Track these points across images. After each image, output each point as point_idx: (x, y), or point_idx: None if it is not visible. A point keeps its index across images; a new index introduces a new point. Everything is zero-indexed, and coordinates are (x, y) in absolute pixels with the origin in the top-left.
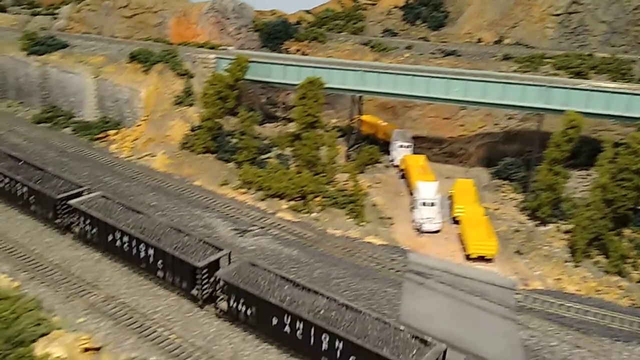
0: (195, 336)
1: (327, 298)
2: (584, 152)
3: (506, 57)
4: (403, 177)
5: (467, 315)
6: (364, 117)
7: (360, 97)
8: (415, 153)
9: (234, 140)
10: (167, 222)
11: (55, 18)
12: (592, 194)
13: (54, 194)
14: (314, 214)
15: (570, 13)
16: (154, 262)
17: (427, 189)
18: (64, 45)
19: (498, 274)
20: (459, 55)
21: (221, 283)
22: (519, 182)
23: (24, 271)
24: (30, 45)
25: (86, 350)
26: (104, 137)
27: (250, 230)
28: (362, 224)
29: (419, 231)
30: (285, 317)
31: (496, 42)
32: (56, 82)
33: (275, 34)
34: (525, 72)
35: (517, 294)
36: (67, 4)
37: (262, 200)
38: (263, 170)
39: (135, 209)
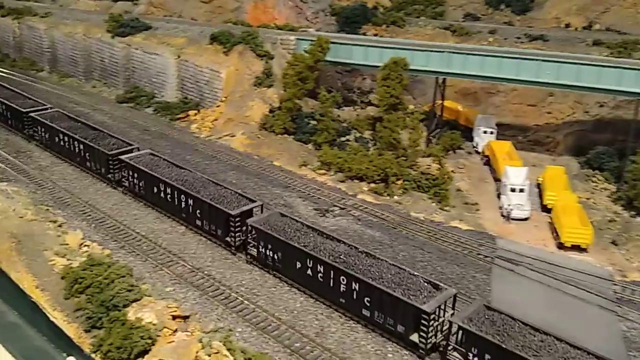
0: (280, 310)
1: (348, 245)
2: None
3: (597, 43)
4: (487, 163)
5: (563, 304)
6: (446, 103)
7: (444, 80)
8: (498, 140)
9: (313, 122)
10: (206, 177)
11: (135, 3)
12: None
13: (106, 151)
14: (395, 197)
15: None
16: (193, 211)
17: (516, 174)
18: (147, 27)
19: (593, 263)
20: (546, 40)
21: (251, 230)
22: (611, 172)
23: (114, 241)
24: (115, 27)
25: (174, 318)
26: (185, 117)
27: (331, 211)
28: (446, 208)
29: (507, 218)
30: (308, 261)
31: (585, 28)
32: (139, 63)
33: (353, 18)
34: (618, 57)
35: (614, 284)
36: None
37: (342, 181)
38: (343, 152)
39: (179, 165)
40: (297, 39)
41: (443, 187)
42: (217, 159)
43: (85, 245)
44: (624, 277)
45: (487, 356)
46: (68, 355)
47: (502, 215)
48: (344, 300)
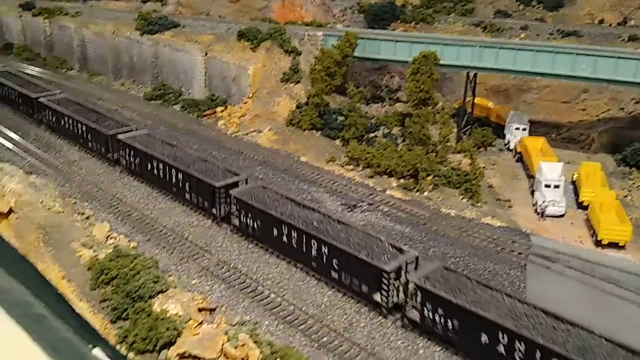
0: (307, 304)
1: (321, 214)
2: None
3: (632, 38)
4: (519, 160)
5: (602, 302)
6: (476, 100)
7: (475, 75)
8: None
9: (341, 118)
10: (196, 154)
11: (164, 4)
12: None
13: (105, 131)
14: (425, 193)
15: None
16: (182, 185)
17: (551, 170)
18: (175, 25)
19: (633, 262)
20: (580, 36)
21: (234, 200)
22: None
23: (140, 233)
24: (144, 25)
25: (200, 310)
26: (212, 113)
27: (359, 206)
28: (478, 204)
29: (541, 215)
30: (283, 228)
31: (619, 24)
32: (167, 60)
33: (382, 16)
34: None
35: None
36: None
37: (370, 177)
38: (372, 148)
39: (171, 143)
40: (325, 34)
41: (474, 183)
42: (244, 154)
43: (112, 238)
44: None
45: (440, 311)
46: (94, 347)
47: (536, 212)
48: (315, 264)
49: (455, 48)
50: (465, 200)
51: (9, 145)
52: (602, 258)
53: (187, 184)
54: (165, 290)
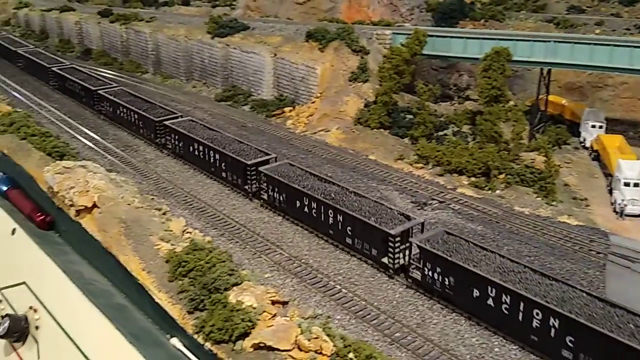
0: (379, 300)
1: (339, 186)
2: None
3: None
4: (595, 159)
5: None
6: (549, 97)
7: (549, 72)
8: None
9: (410, 116)
10: (233, 136)
11: (233, 8)
12: None
13: (154, 118)
14: (497, 191)
15: None
16: (219, 164)
17: (630, 167)
18: (245, 27)
19: None
20: None
21: (263, 176)
22: None
23: (214, 228)
24: (215, 29)
25: (273, 303)
26: (280, 113)
27: (430, 204)
28: (553, 203)
29: (620, 214)
30: (304, 199)
31: None
32: (237, 62)
33: (450, 14)
34: None
35: None
36: None
37: (441, 175)
38: (442, 146)
39: (212, 128)
40: (393, 33)
41: (549, 181)
42: (312, 153)
43: (188, 232)
44: None
45: (438, 269)
46: (172, 337)
47: (615, 211)
48: (332, 232)
49: (529, 44)
50: (539, 198)
51: (89, 143)
52: None
53: (223, 164)
54: (240, 283)
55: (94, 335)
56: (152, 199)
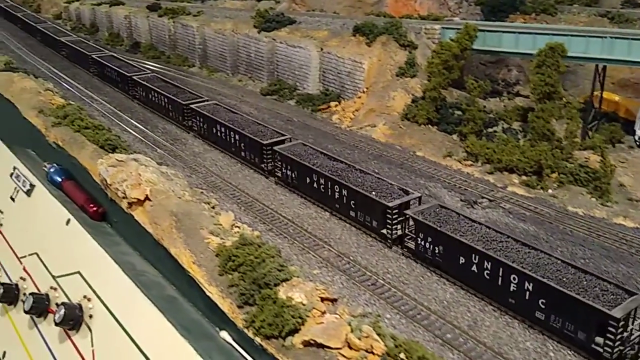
0: (429, 300)
1: (345, 164)
2: None
3: None
4: None
5: None
6: (604, 94)
7: (604, 68)
8: None
9: (458, 112)
10: (252, 119)
11: (278, 1)
12: None
13: (182, 101)
14: (550, 190)
15: None
16: (239, 144)
17: None
18: (292, 22)
19: None
20: None
21: (278, 155)
22: None
23: (263, 223)
24: (261, 23)
25: (323, 300)
26: (326, 108)
27: (480, 203)
28: (608, 203)
29: None
30: (313, 176)
31: None
32: (283, 56)
33: (500, 7)
34: None
35: None
36: None
37: (490, 173)
38: (492, 143)
39: (233, 110)
40: (443, 27)
41: (605, 181)
42: (359, 148)
43: (236, 226)
44: None
45: (429, 239)
46: (221, 330)
47: None
48: (338, 206)
49: (584, 39)
50: (593, 199)
51: (139, 136)
52: None
53: (242, 144)
54: (289, 279)
55: (146, 325)
56: (201, 192)
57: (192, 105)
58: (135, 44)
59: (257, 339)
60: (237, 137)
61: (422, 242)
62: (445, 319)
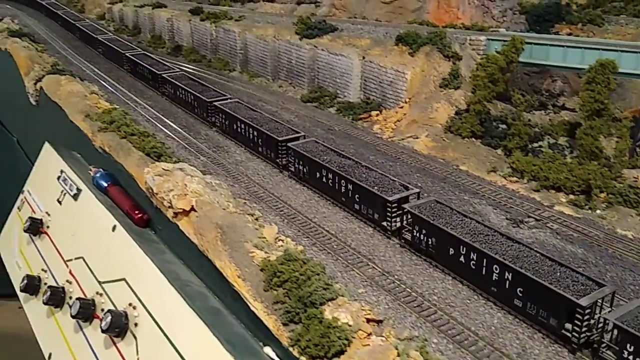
0: (476, 325)
1: (352, 160)
2: None
3: None
4: None
5: None
6: None
7: None
8: None
9: (503, 126)
10: (270, 116)
11: (318, 6)
12: None
13: (206, 99)
14: (598, 211)
15: None
16: (256, 140)
17: None
18: (334, 29)
19: None
20: None
21: (291, 151)
22: None
23: (306, 237)
24: (303, 30)
25: (368, 321)
26: (367, 117)
27: (526, 222)
28: None
29: None
30: (322, 171)
31: None
32: (324, 64)
33: (545, 17)
34: None
35: None
36: None
37: (536, 191)
38: (538, 159)
39: (252, 108)
40: (488, 39)
41: None
42: (400, 160)
43: (280, 240)
44: None
45: (423, 231)
46: (265, 345)
47: None
48: (343, 199)
49: (635, 55)
50: None
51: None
52: None
53: (259, 140)
54: (335, 298)
55: (191, 337)
56: (245, 203)
57: (216, 103)
58: (177, 47)
59: (303, 358)
60: (255, 133)
61: (418, 234)
62: (494, 345)
